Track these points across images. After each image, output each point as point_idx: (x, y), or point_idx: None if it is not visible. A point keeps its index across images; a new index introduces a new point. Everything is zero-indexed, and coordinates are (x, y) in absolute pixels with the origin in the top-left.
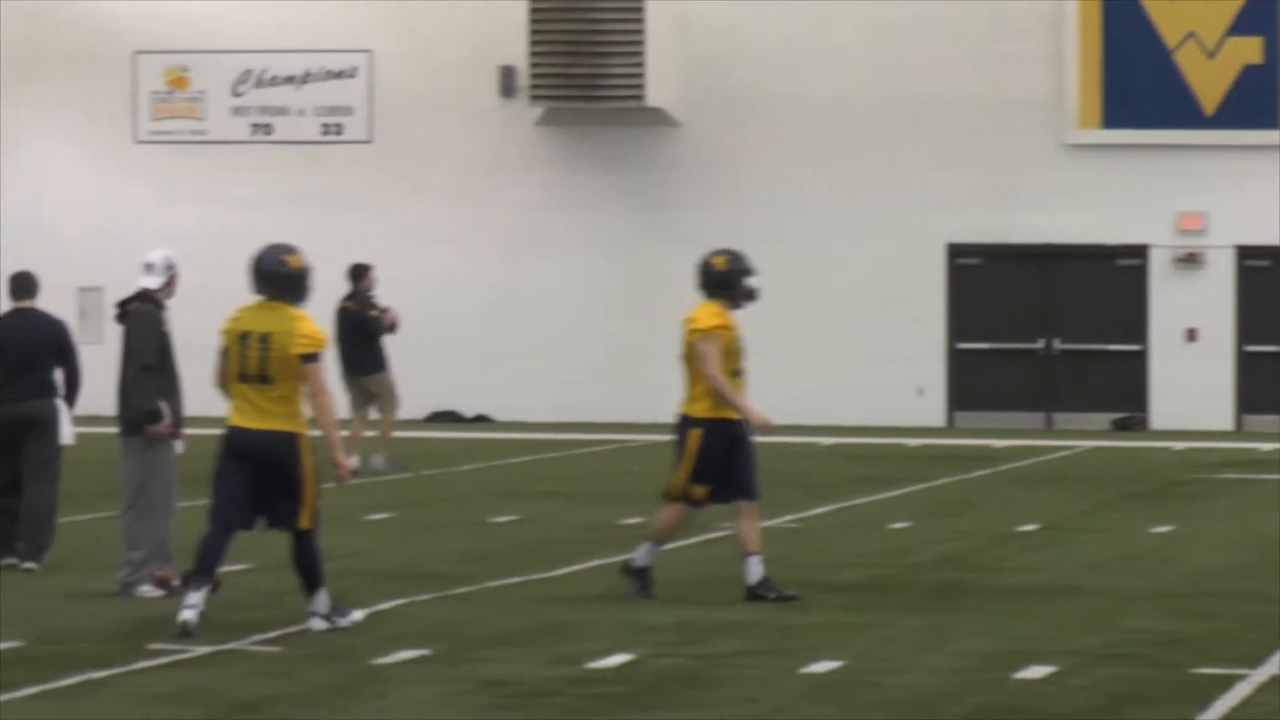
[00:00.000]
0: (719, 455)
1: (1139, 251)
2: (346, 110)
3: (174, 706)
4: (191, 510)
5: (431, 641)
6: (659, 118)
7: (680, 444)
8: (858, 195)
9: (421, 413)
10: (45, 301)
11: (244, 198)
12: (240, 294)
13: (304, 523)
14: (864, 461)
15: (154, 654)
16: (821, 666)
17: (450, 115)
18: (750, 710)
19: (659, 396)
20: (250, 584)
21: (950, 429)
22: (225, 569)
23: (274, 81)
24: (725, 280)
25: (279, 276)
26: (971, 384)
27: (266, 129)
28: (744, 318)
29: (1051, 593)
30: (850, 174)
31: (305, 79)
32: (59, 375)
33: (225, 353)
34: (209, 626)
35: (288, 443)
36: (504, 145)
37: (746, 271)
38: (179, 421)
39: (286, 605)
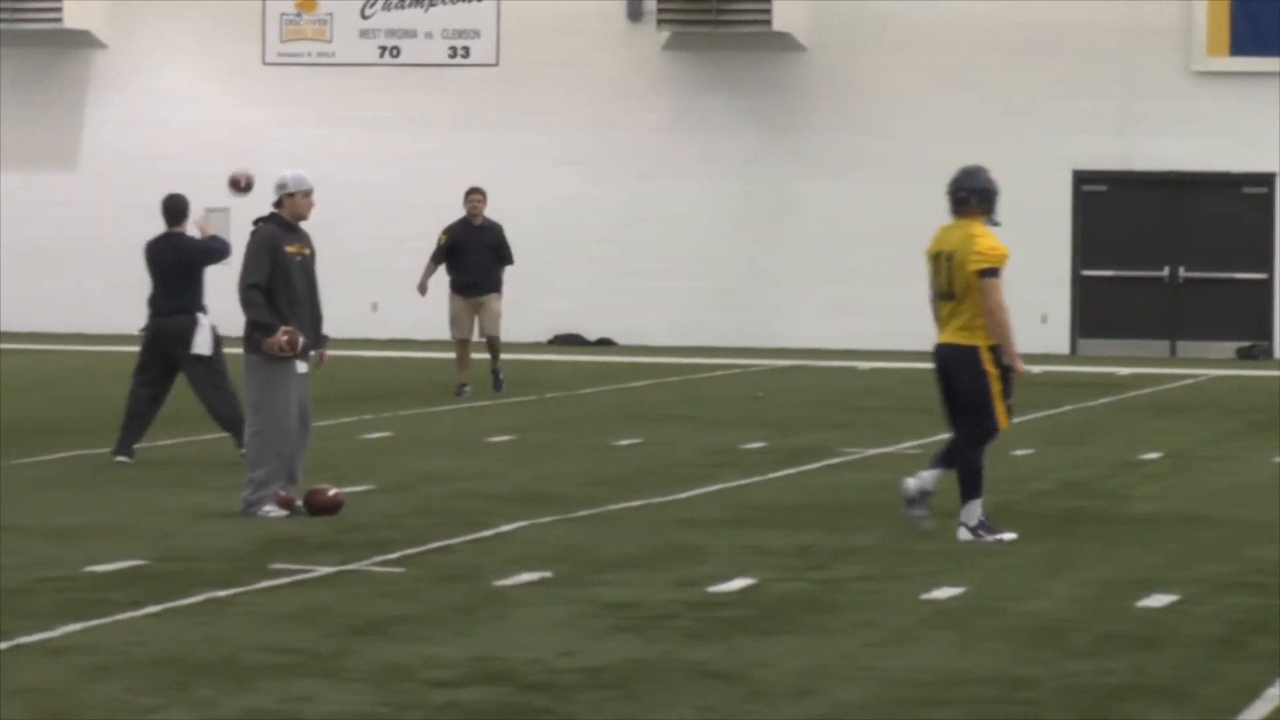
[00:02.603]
0: None
1: (1265, 180)
2: (473, 33)
3: (296, 626)
4: (328, 429)
5: (553, 564)
6: (785, 42)
7: None
8: (984, 121)
9: (545, 336)
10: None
11: (370, 120)
12: (371, 215)
13: (1001, 423)
14: None
15: (277, 574)
16: (943, 592)
17: (577, 39)
18: (871, 635)
19: (783, 321)
20: (373, 505)
21: (1074, 356)
22: (347, 490)
23: (401, 4)
24: None
25: (976, 189)
26: (1096, 311)
27: (393, 51)
28: (872, 242)
29: (1175, 521)
30: (977, 100)
31: (433, 2)
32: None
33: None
34: (331, 547)
35: (965, 355)
36: (630, 69)
37: None
38: (297, 341)
39: (408, 526)
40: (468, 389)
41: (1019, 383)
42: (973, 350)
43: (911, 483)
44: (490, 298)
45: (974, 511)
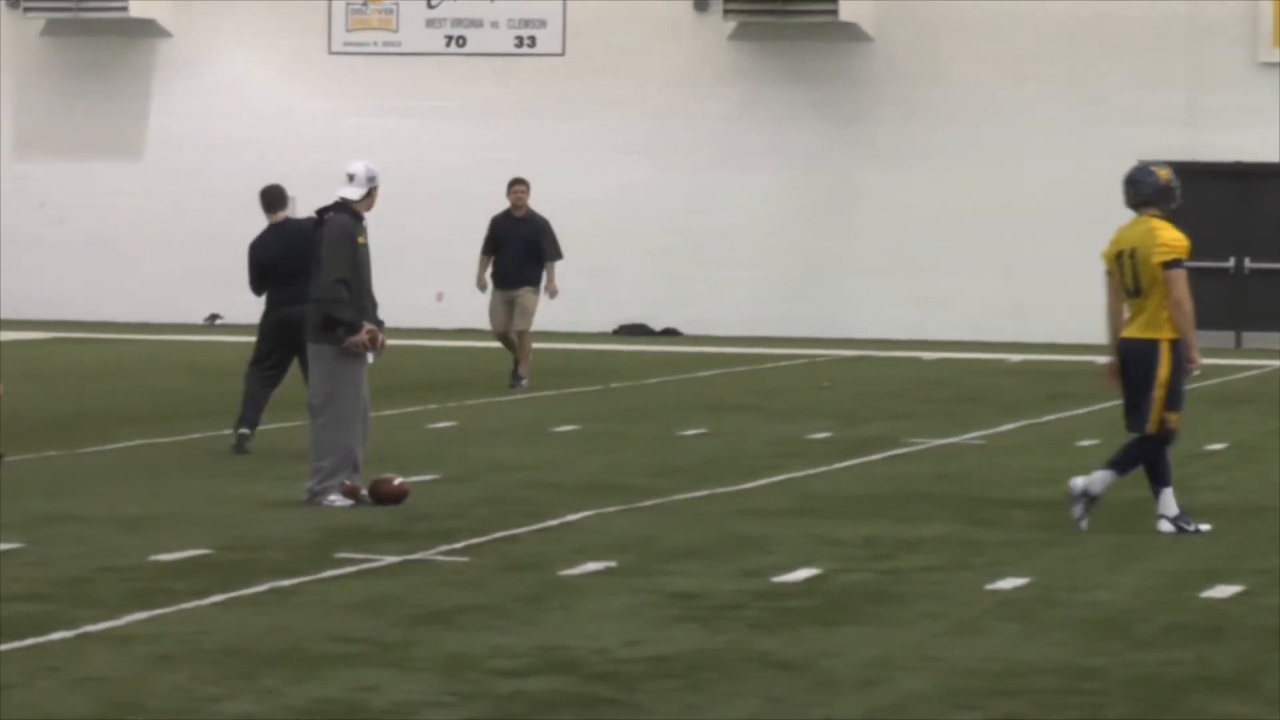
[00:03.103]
0: None
1: None
2: (539, 23)
3: (361, 615)
4: (393, 419)
5: (619, 553)
6: (852, 32)
7: None
8: (1049, 111)
9: (610, 326)
10: (237, 208)
11: (436, 110)
12: (436, 205)
13: (1150, 427)
14: (1053, 379)
15: (341, 563)
16: (1008, 583)
17: (643, 29)
18: (936, 625)
19: (848, 311)
20: (438, 495)
21: None
22: (412, 479)
23: None
24: None
25: (1129, 181)
26: None
27: (460, 41)
28: (936, 232)
29: (1240, 512)
30: (1042, 90)
31: None
32: None
33: (1109, 274)
34: (396, 536)
35: (1148, 349)
36: (697, 60)
37: None
38: (377, 338)
39: (473, 516)
40: (523, 381)
41: (1189, 378)
42: (1154, 344)
43: (1078, 481)
44: (524, 291)
45: (1169, 503)
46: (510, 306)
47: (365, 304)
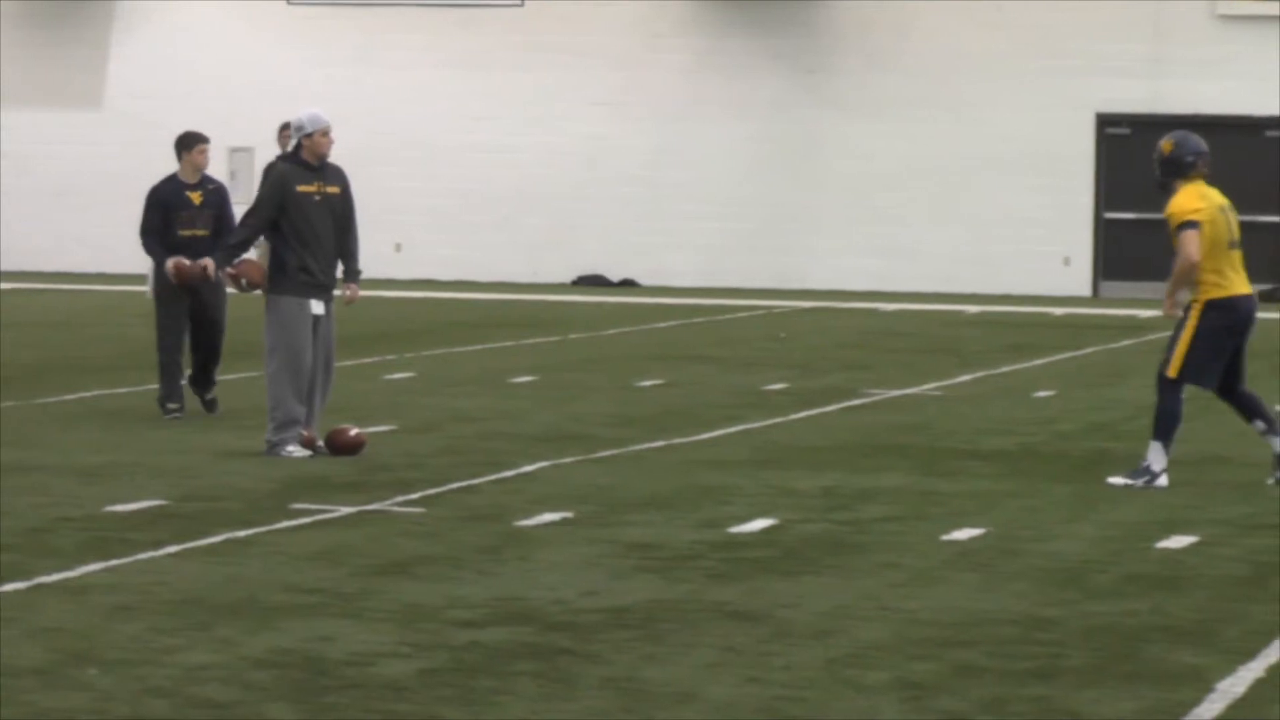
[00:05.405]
0: None
1: None
2: None
3: (318, 566)
4: (351, 369)
5: (576, 504)
6: None
7: None
8: (1012, 62)
9: (569, 276)
10: None
11: (397, 60)
12: (396, 155)
13: (1169, 370)
14: (1010, 329)
15: (298, 514)
16: (965, 534)
17: None
18: (894, 576)
19: (808, 262)
20: (396, 445)
21: (1096, 298)
22: (370, 430)
23: None
24: None
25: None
26: (1118, 253)
27: None
28: (897, 184)
29: (1198, 463)
30: (1005, 41)
31: None
32: None
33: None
34: (353, 487)
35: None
36: (656, 10)
37: None
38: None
39: (431, 466)
40: None
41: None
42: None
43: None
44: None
45: (1154, 455)
46: None
47: (312, 250)
